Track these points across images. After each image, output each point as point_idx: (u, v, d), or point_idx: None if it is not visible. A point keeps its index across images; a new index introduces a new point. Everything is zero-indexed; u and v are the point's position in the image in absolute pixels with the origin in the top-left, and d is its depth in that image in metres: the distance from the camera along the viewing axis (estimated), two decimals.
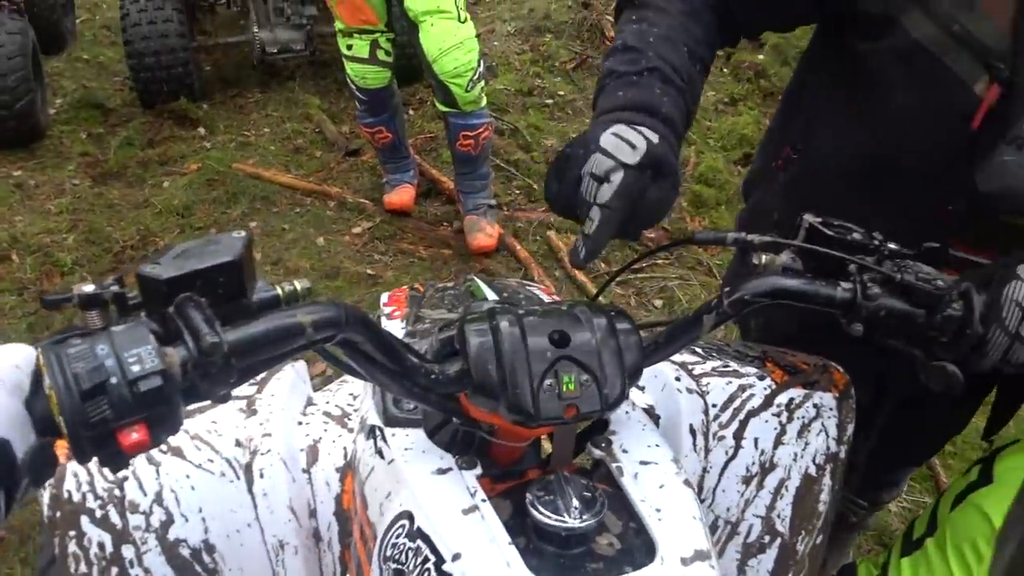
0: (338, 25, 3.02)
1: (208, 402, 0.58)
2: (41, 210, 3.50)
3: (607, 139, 0.85)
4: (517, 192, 3.58)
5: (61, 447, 0.53)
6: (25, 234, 3.29)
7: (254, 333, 0.56)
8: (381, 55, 3.03)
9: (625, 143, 0.84)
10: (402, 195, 3.38)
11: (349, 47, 3.03)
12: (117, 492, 0.85)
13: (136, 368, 0.50)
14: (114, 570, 0.83)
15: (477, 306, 0.80)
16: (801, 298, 0.74)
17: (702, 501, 1.01)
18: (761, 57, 4.61)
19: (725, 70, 4.57)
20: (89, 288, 0.57)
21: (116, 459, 0.52)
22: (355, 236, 3.30)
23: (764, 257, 0.77)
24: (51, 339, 0.52)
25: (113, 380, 0.49)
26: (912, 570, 1.15)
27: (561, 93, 4.38)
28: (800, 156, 1.21)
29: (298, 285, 0.63)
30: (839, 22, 1.09)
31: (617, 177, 0.82)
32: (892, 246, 0.77)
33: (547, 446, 0.85)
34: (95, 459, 0.52)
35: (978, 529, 1.06)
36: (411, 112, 4.19)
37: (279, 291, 0.62)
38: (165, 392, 0.50)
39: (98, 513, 0.84)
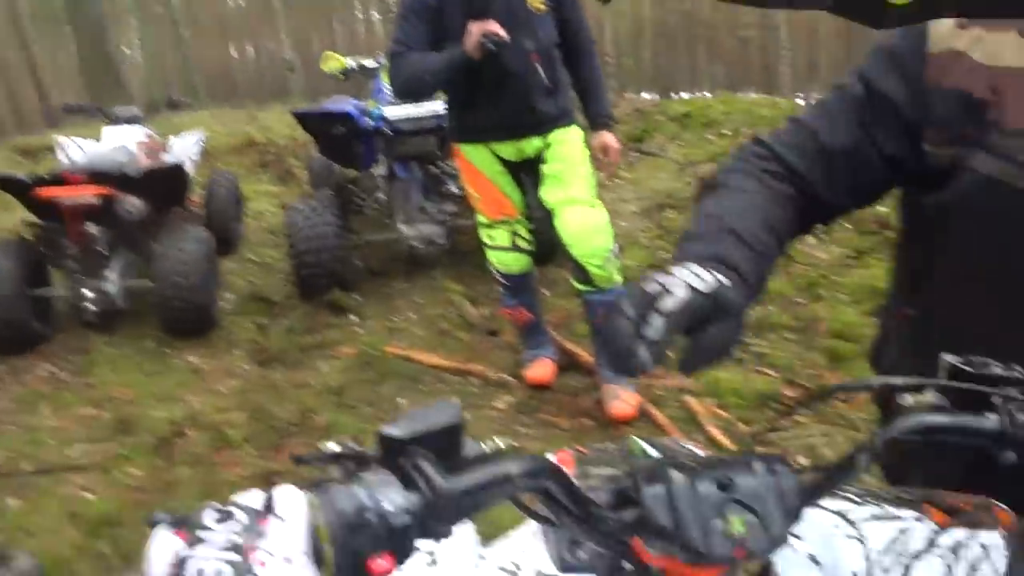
0: (480, 219, 3.32)
1: None
2: (213, 391, 3.85)
3: (677, 270, 0.88)
4: None
5: None
6: (200, 412, 3.61)
7: (475, 481, 0.67)
8: (521, 243, 3.29)
9: (694, 275, 0.87)
10: (542, 369, 3.53)
11: (491, 238, 3.31)
12: None
13: (389, 508, 0.61)
14: None
15: (647, 462, 0.89)
16: (951, 432, 0.79)
17: None
18: (883, 209, 4.63)
19: (848, 225, 4.59)
20: (335, 447, 0.71)
21: None
22: (499, 411, 3.43)
23: (911, 398, 0.83)
24: (315, 485, 0.64)
25: (371, 517, 0.61)
26: None
27: None
28: (916, 313, 1.25)
29: (500, 443, 0.74)
30: (914, 184, 1.18)
31: (681, 292, 0.85)
32: None
33: None
34: None
35: None
36: (546, 292, 4.41)
37: (485, 447, 0.74)
38: (410, 528, 0.62)
39: None
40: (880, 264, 4.17)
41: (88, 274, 4.30)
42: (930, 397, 0.83)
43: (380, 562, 0.61)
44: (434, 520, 0.65)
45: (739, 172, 1.15)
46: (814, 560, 1.02)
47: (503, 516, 0.79)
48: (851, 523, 1.07)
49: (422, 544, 1.08)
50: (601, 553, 0.88)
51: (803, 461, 2.91)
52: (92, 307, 4.23)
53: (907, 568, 1.01)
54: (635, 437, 1.18)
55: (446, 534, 0.68)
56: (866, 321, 3.70)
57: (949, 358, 0.83)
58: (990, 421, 0.79)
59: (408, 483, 0.66)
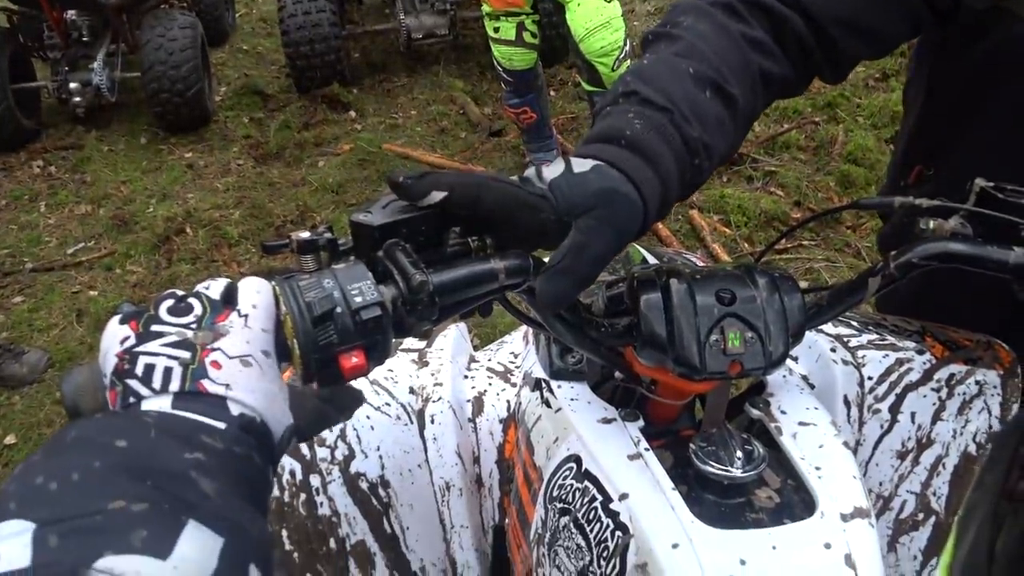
0: (485, 9, 3.11)
1: None
2: (210, 188, 3.79)
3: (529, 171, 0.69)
4: None
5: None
6: (197, 209, 3.57)
7: (455, 276, 0.62)
8: (527, 37, 3.09)
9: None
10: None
11: (496, 30, 3.11)
12: None
13: (358, 299, 0.56)
14: (303, 495, 0.92)
15: (646, 267, 0.83)
16: (972, 262, 0.73)
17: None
18: None
19: None
20: (305, 235, 0.65)
21: (335, 381, 0.58)
22: None
23: (932, 222, 0.76)
24: (281, 276, 0.59)
25: (339, 309, 0.55)
26: None
27: None
28: (934, 175, 1.15)
29: (487, 239, 0.68)
30: (943, 30, 1.02)
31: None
32: None
33: (699, 412, 0.88)
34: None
35: None
36: (552, 93, 4.24)
37: (469, 242, 0.67)
38: (382, 322, 0.57)
39: None
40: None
41: (73, 67, 4.15)
42: (953, 223, 0.76)
43: (351, 358, 0.57)
44: (410, 316, 0.60)
45: (695, 10, 0.85)
46: (807, 381, 1.01)
47: (503, 319, 0.74)
48: (849, 349, 1.04)
49: (409, 343, 1.06)
50: (592, 360, 0.85)
51: (803, 284, 2.90)
52: (79, 99, 4.11)
53: (899, 398, 1.00)
54: (636, 244, 1.13)
55: (423, 333, 0.63)
56: (884, 148, 3.58)
57: (981, 182, 0.75)
58: (1015, 254, 0.73)
59: (382, 275, 0.60)
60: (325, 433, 0.94)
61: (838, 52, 0.92)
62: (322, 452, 0.93)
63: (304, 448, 0.94)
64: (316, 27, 4.23)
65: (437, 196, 0.63)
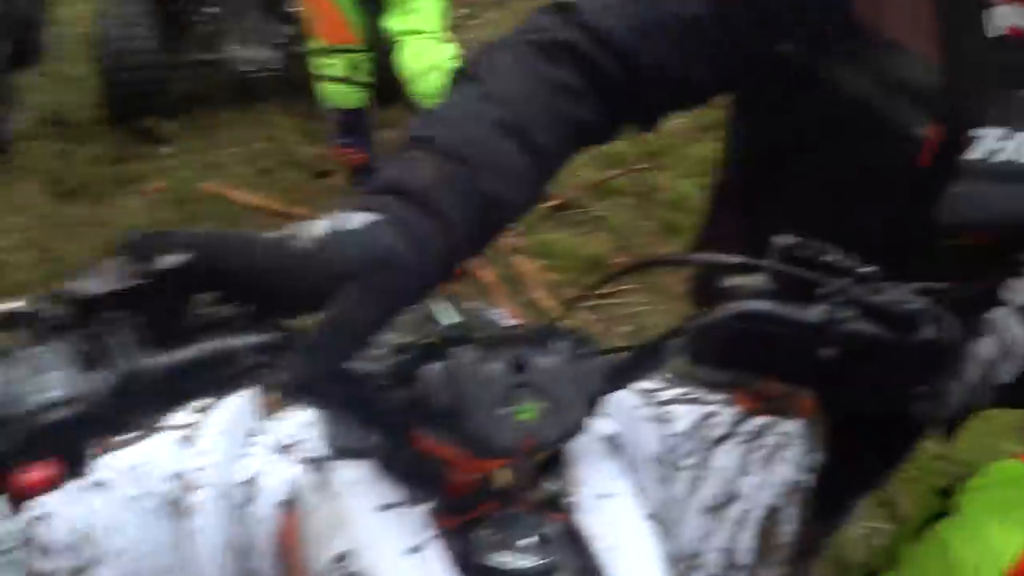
0: (315, 44, 3.00)
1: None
2: None
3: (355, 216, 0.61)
4: None
5: None
6: None
7: (185, 358, 0.52)
8: (358, 75, 3.01)
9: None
10: None
11: (326, 66, 3.01)
12: (38, 528, 0.79)
13: (41, 397, 0.45)
14: None
15: (435, 329, 0.76)
16: (772, 321, 0.72)
17: (664, 534, 0.97)
18: None
19: None
20: (20, 305, 0.52)
21: (17, 498, 0.47)
22: None
23: (735, 280, 0.74)
24: None
25: (12, 411, 0.44)
26: None
27: None
28: (743, 228, 1.14)
29: (243, 309, 0.58)
30: (758, 86, 1.03)
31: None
32: (867, 269, 0.75)
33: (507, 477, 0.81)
34: None
35: (939, 562, 1.03)
36: (385, 135, 4.16)
37: (215, 313, 0.57)
38: (74, 424, 0.46)
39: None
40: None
41: None
42: (756, 280, 0.74)
43: (33, 471, 0.45)
44: (125, 410, 0.49)
45: (506, 51, 0.80)
46: (614, 441, 0.97)
47: None
48: (657, 404, 1.01)
49: (178, 417, 0.93)
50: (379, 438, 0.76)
51: (625, 329, 2.94)
52: None
53: (707, 453, 0.98)
54: (436, 299, 1.06)
55: (146, 430, 0.52)
56: (705, 196, 3.72)
57: (783, 239, 0.74)
58: (813, 313, 0.71)
59: (93, 360, 0.49)
60: (54, 538, 0.78)
61: (651, 101, 0.89)
62: (48, 565, 0.78)
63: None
64: (136, 53, 3.92)
65: (172, 260, 0.53)
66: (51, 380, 0.46)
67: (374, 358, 0.95)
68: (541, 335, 0.69)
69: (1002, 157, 0.94)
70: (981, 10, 0.88)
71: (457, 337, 0.67)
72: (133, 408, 0.50)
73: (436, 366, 0.65)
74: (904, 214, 0.98)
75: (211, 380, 0.53)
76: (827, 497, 1.66)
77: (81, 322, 0.51)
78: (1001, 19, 0.88)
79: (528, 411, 0.65)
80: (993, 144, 0.92)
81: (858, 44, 0.89)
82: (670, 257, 0.86)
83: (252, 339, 0.54)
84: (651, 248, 3.36)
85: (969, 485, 1.08)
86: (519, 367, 0.66)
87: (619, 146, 4.10)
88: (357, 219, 0.59)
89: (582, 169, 3.94)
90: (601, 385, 0.69)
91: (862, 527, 2.31)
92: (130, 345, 0.49)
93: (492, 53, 0.80)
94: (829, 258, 0.73)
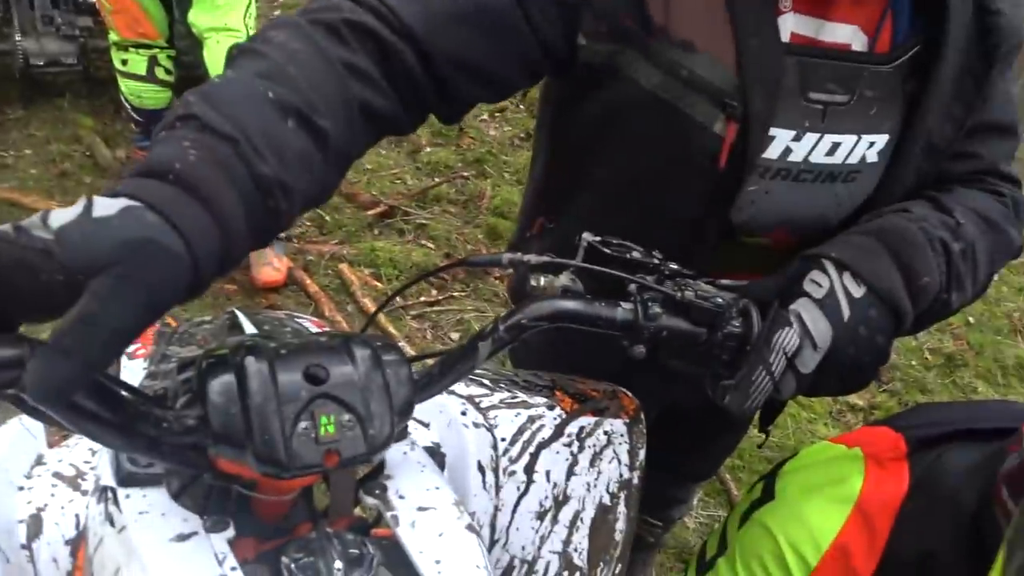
0: (112, 37, 2.77)
1: None
2: None
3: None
4: (308, 224, 3.43)
5: None
6: None
7: None
8: (160, 73, 2.80)
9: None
10: None
11: (124, 62, 2.78)
12: None
13: None
14: None
15: (231, 340, 0.69)
16: (581, 320, 0.70)
17: (495, 541, 0.95)
18: None
19: (521, 107, 4.66)
20: None
21: None
22: None
23: (543, 279, 0.72)
24: None
25: None
26: None
27: None
28: (554, 226, 1.17)
29: None
30: (562, 81, 1.05)
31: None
32: (673, 266, 0.75)
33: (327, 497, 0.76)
34: None
35: (764, 546, 1.06)
36: None
37: None
38: None
39: None
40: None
41: None
42: (563, 279, 0.72)
43: None
44: None
45: (292, 28, 0.75)
46: (438, 449, 0.93)
47: None
48: (481, 410, 0.99)
49: None
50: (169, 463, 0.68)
51: (454, 336, 2.92)
52: None
53: (533, 457, 0.96)
54: (236, 309, 0.98)
55: None
56: None
57: (588, 237, 0.73)
58: (622, 311, 0.71)
59: None
60: None
61: (451, 91, 0.86)
62: None
63: None
64: None
65: None
66: None
67: (166, 374, 0.86)
68: (342, 344, 0.63)
69: (793, 157, 0.98)
70: (773, 16, 0.91)
71: (249, 347, 0.61)
72: None
73: (225, 380, 0.58)
74: (705, 212, 1.00)
75: None
76: (660, 491, 1.72)
77: None
78: (790, 25, 0.92)
79: (329, 424, 0.60)
80: (785, 144, 0.96)
81: (655, 41, 0.90)
82: (474, 260, 0.82)
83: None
84: (476, 253, 3.37)
85: (785, 469, 1.12)
86: (318, 378, 0.60)
87: (441, 154, 4.10)
88: (109, 204, 0.52)
89: (405, 177, 3.91)
90: (409, 394, 0.64)
91: (699, 517, 2.40)
92: None
93: (275, 29, 0.74)
94: (636, 255, 0.73)
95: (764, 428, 1.24)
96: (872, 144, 0.99)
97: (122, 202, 0.52)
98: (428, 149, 4.15)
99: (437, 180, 3.86)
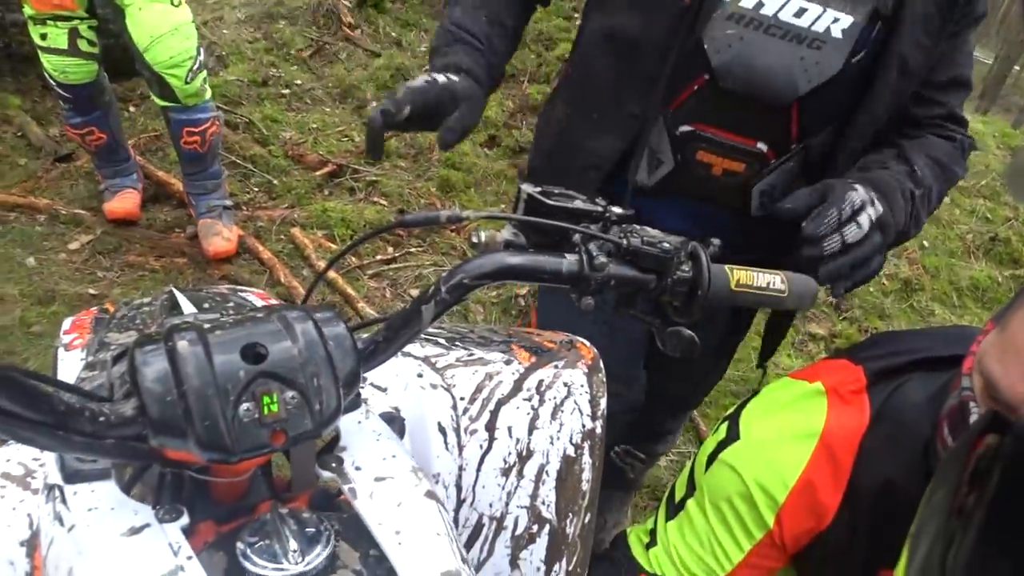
0: (27, 11, 2.62)
1: None
2: None
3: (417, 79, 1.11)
4: (256, 189, 3.35)
5: None
6: None
7: None
8: (83, 45, 2.67)
9: (432, 77, 1.12)
10: (125, 202, 3.03)
11: (43, 36, 2.64)
12: None
13: None
14: None
15: (168, 322, 0.66)
16: (525, 275, 0.69)
17: (462, 501, 0.94)
18: None
19: None
20: None
21: None
22: (72, 253, 2.91)
23: (484, 234, 0.70)
24: None
25: None
26: (678, 532, 1.16)
27: (298, 82, 4.16)
28: (572, 66, 1.41)
29: None
30: None
31: (421, 80, 1.09)
32: (617, 210, 0.74)
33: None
34: None
35: (732, 486, 1.07)
36: (131, 109, 3.79)
37: None
38: None
39: None
40: (494, 96, 4.20)
41: None
42: (506, 233, 0.70)
43: None
44: None
45: None
46: (396, 415, 0.92)
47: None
48: (438, 371, 0.97)
49: None
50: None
51: (414, 292, 2.89)
52: None
53: (493, 414, 0.95)
54: (174, 288, 0.95)
55: None
56: (478, 151, 3.73)
57: (528, 188, 0.71)
58: (568, 263, 0.69)
59: None
60: None
61: None
62: None
63: None
64: None
65: None
66: None
67: (96, 364, 0.83)
68: (280, 319, 0.61)
69: (765, 11, 1.12)
70: None
71: (182, 329, 0.58)
72: None
73: (158, 367, 0.56)
74: (686, 55, 1.17)
75: None
76: (648, 421, 1.74)
77: None
78: None
79: (272, 403, 0.58)
80: None
81: None
82: (410, 219, 0.82)
83: None
84: (431, 208, 3.33)
85: (748, 409, 1.12)
86: (257, 356, 0.58)
87: None
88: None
89: (352, 134, 3.82)
90: (354, 365, 0.62)
91: (670, 455, 2.43)
92: None
93: None
94: (579, 204, 0.71)
95: (761, 364, 1.34)
96: (837, 20, 1.13)
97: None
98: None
99: (385, 135, 3.78)
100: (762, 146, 1.23)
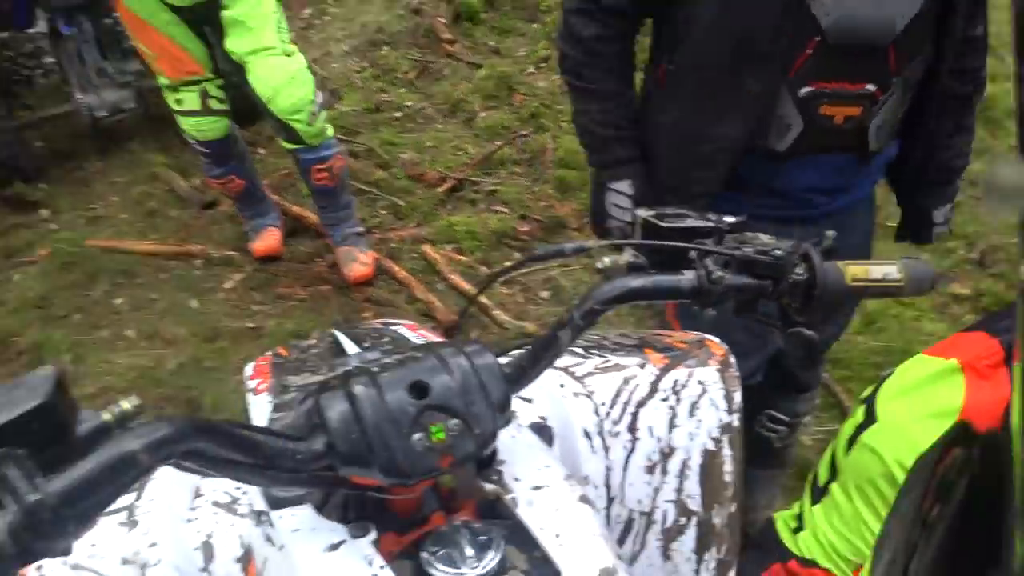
0: (162, 81, 2.88)
1: None
2: None
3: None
4: (383, 212, 3.52)
5: None
6: None
7: (81, 475, 0.51)
8: (214, 104, 2.90)
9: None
10: (268, 239, 3.27)
11: (179, 101, 2.89)
12: None
13: None
14: None
15: (337, 364, 0.77)
16: (649, 295, 0.74)
17: (612, 499, 1.00)
18: None
19: None
20: None
21: None
22: (229, 291, 3.17)
23: (607, 260, 0.76)
24: None
25: None
26: (824, 516, 1.18)
27: (408, 104, 4.32)
28: (675, 65, 1.49)
29: (127, 404, 0.58)
30: None
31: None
32: (728, 219, 0.78)
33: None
34: None
35: (874, 468, 1.08)
36: (260, 151, 4.06)
37: (107, 416, 0.57)
38: None
39: None
40: None
41: None
42: (627, 255, 0.76)
43: None
44: (36, 541, 0.49)
45: (597, 69, 1.54)
46: (544, 423, 0.99)
47: None
48: (577, 379, 1.04)
49: (116, 503, 0.91)
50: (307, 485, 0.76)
51: (544, 295, 2.98)
52: None
53: (634, 416, 1.01)
54: (335, 330, 1.06)
55: (64, 552, 0.51)
56: None
57: (642, 212, 0.77)
58: (687, 279, 0.74)
59: None
60: None
61: None
62: None
63: None
64: None
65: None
66: None
67: (288, 404, 0.95)
68: (436, 357, 0.70)
69: None
70: None
71: (356, 375, 0.68)
72: (46, 537, 0.49)
73: (341, 409, 0.66)
74: (797, 22, 1.30)
75: (115, 486, 0.53)
76: (781, 379, 1.77)
77: None
78: None
79: (439, 432, 0.66)
80: None
81: None
82: (539, 254, 0.88)
83: (145, 438, 0.54)
84: (550, 209, 3.40)
85: (884, 390, 1.13)
86: (421, 392, 0.67)
87: (496, 116, 4.11)
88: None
89: (466, 147, 3.94)
90: (505, 390, 0.70)
91: (815, 433, 2.40)
92: (20, 479, 0.48)
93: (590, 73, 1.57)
94: (691, 222, 0.76)
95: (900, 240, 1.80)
96: None
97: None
98: (483, 114, 4.17)
99: (497, 144, 3.88)
100: (871, 87, 1.39)
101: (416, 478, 0.66)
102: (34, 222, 3.80)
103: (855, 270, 0.74)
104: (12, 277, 3.43)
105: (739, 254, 0.74)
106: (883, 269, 0.76)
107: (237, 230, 3.46)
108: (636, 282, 0.74)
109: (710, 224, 0.77)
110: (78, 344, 2.93)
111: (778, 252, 0.73)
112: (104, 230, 3.67)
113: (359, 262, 3.05)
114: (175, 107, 2.91)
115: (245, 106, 3.43)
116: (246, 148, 3.23)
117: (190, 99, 2.87)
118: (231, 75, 2.94)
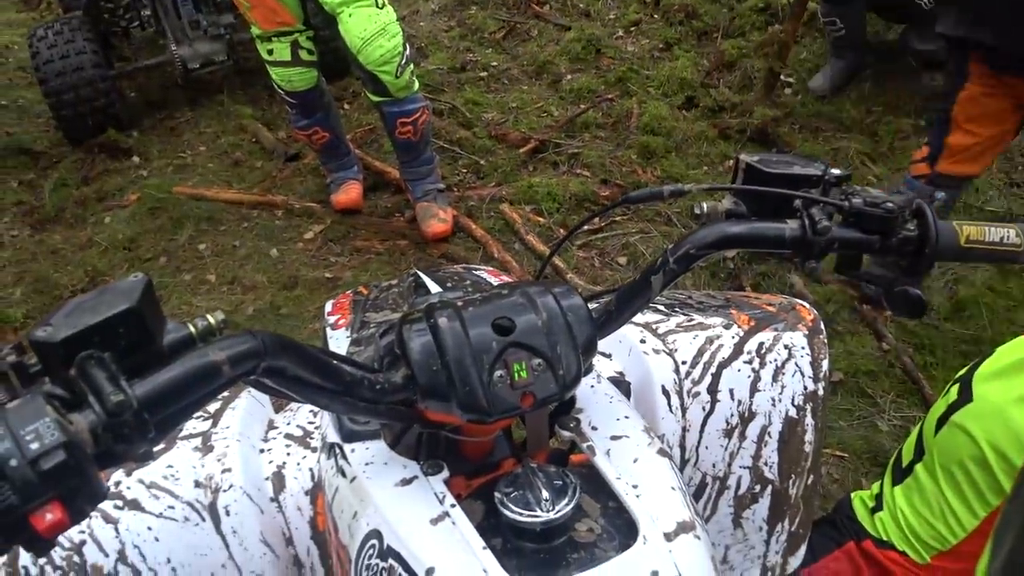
0: (255, 31, 2.93)
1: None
2: None
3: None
4: (464, 171, 3.52)
5: None
6: None
7: (165, 381, 0.51)
8: (304, 55, 2.93)
9: None
10: (349, 192, 3.30)
11: (270, 52, 2.94)
12: (76, 559, 0.80)
13: (35, 446, 0.45)
14: None
15: (419, 302, 0.76)
16: (748, 243, 0.71)
17: (686, 460, 0.98)
18: None
19: (656, 16, 4.51)
20: None
21: (37, 544, 0.47)
22: (308, 242, 3.22)
23: (706, 205, 0.73)
24: None
25: (13, 462, 0.44)
26: (905, 498, 1.13)
27: (495, 64, 4.30)
28: None
29: (212, 319, 0.58)
30: None
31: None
32: (836, 172, 0.74)
33: (522, 431, 0.82)
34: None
35: (964, 449, 1.04)
36: (346, 107, 4.10)
37: (192, 329, 0.57)
38: (72, 465, 0.46)
39: None
40: (688, 56, 4.12)
41: None
42: (726, 202, 0.73)
43: (46, 515, 0.46)
44: (118, 443, 0.49)
45: None
46: (623, 378, 0.97)
47: None
48: (659, 336, 1.01)
49: (191, 427, 0.93)
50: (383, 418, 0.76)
51: (621, 260, 2.94)
52: None
53: (715, 377, 0.98)
54: (418, 270, 1.05)
55: (144, 456, 0.52)
56: (676, 114, 3.69)
57: (745, 157, 0.73)
58: (790, 228, 0.70)
59: (76, 400, 0.49)
60: (100, 559, 0.80)
61: None
62: None
63: None
64: (78, 71, 3.85)
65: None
66: (41, 428, 0.45)
67: (367, 339, 0.95)
68: (523, 294, 0.68)
69: None
70: None
71: (440, 307, 0.66)
72: (127, 439, 0.49)
73: (424, 340, 0.65)
74: None
75: (196, 397, 0.53)
76: None
77: (57, 365, 0.51)
78: None
79: (521, 370, 0.64)
80: None
81: None
82: (634, 196, 0.85)
83: (230, 350, 0.54)
84: (633, 175, 3.34)
85: (981, 370, 1.07)
86: (506, 329, 0.65)
87: (583, 79, 4.05)
88: None
89: (551, 109, 3.90)
90: (592, 332, 0.68)
91: (892, 419, 2.32)
92: (106, 380, 0.49)
93: None
94: (797, 169, 0.72)
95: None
96: None
97: None
98: (569, 77, 4.12)
99: (582, 107, 3.83)
100: None
101: (495, 416, 0.65)
102: (126, 168, 3.93)
103: (970, 230, 0.69)
104: (104, 219, 3.56)
105: (848, 205, 0.70)
106: (1000, 232, 0.70)
107: (319, 183, 3.51)
108: (735, 228, 0.71)
109: (817, 173, 0.72)
110: (162, 286, 3.02)
111: (889, 205, 0.69)
112: (191, 178, 3.77)
113: (438, 218, 3.06)
114: (266, 57, 2.95)
115: (334, 60, 3.48)
116: (332, 101, 3.26)
117: (281, 50, 2.90)
118: (322, 29, 2.97)
